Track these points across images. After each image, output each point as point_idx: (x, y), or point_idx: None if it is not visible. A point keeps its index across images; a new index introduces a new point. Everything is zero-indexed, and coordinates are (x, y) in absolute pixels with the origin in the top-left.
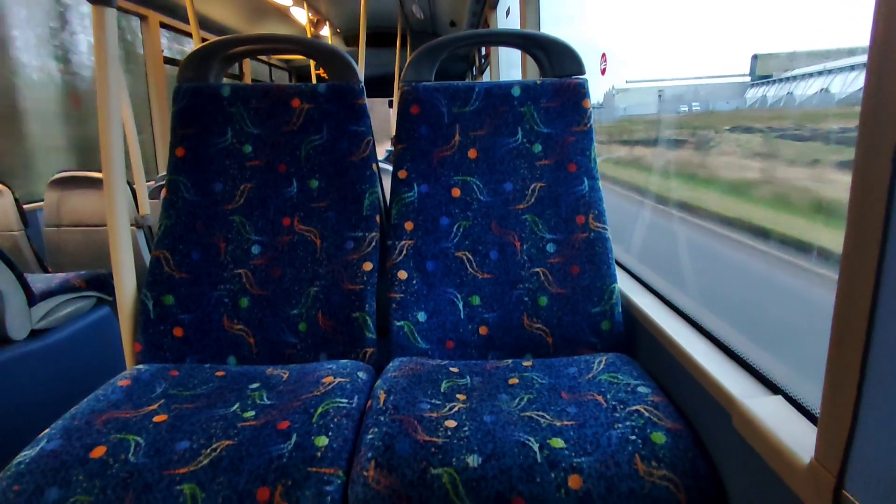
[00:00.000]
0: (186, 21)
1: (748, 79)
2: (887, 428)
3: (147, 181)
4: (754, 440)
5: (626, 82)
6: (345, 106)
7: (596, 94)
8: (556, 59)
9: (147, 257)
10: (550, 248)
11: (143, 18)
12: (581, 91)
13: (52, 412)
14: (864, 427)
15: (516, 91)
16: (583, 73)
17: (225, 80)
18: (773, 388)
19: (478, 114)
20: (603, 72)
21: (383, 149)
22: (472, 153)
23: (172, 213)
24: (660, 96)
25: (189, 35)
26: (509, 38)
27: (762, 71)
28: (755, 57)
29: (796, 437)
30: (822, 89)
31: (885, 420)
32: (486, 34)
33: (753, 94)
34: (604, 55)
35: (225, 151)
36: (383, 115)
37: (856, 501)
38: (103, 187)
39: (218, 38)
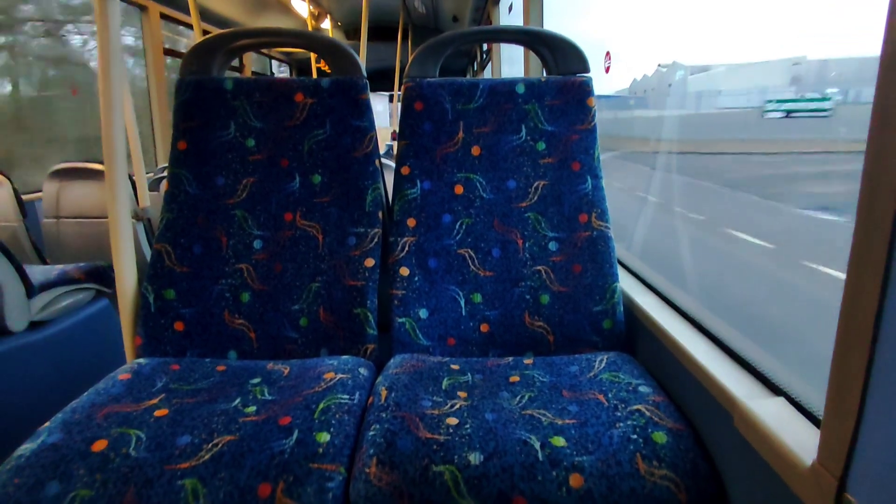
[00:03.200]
0: (187, 12)
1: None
2: (891, 431)
3: (146, 173)
4: (756, 441)
5: (659, 66)
6: (348, 101)
7: (606, 85)
8: (560, 57)
9: (146, 250)
10: (553, 246)
11: (143, 9)
12: (586, 89)
13: (51, 404)
14: (868, 429)
15: (520, 88)
16: (587, 70)
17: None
18: (775, 390)
19: (482, 111)
20: (607, 70)
21: (382, 143)
22: (475, 150)
23: (174, 207)
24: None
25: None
26: (515, 35)
27: None
28: None
29: (798, 438)
30: None
31: (890, 423)
32: (492, 30)
33: None
34: (608, 53)
35: (227, 145)
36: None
37: None
38: (105, 179)
39: (220, 30)
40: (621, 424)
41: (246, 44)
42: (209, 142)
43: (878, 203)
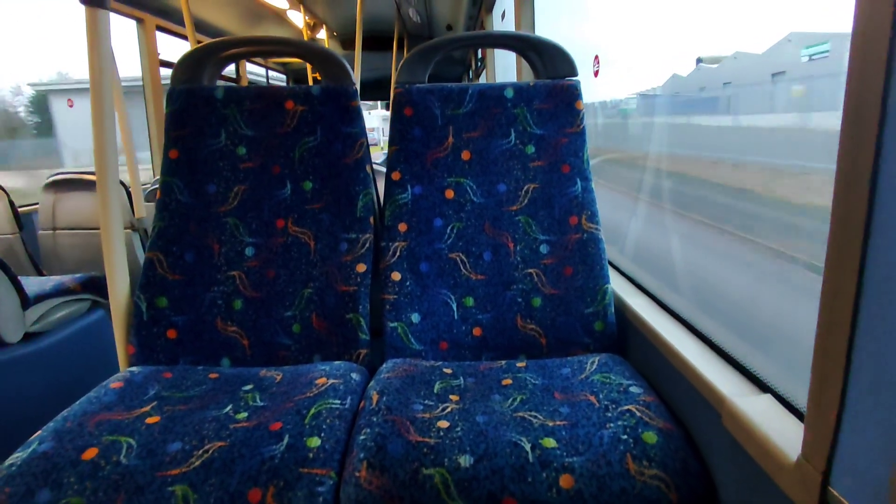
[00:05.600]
0: (183, 24)
1: None
2: (872, 425)
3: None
4: (743, 439)
5: (699, 60)
6: (339, 108)
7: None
8: (548, 61)
9: (143, 260)
10: (544, 249)
11: (139, 21)
12: (574, 92)
13: (46, 415)
14: (849, 424)
15: (509, 93)
16: (575, 74)
17: (221, 82)
18: (763, 387)
19: (471, 115)
20: (596, 74)
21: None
22: (465, 155)
23: (166, 215)
24: None
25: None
26: (503, 40)
27: None
28: None
29: (784, 435)
30: None
31: (870, 417)
32: (480, 36)
33: None
34: (596, 57)
35: (218, 153)
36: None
37: (842, 498)
38: (97, 189)
39: (212, 40)
40: (612, 425)
41: (236, 52)
42: (200, 150)
43: (852, 201)
